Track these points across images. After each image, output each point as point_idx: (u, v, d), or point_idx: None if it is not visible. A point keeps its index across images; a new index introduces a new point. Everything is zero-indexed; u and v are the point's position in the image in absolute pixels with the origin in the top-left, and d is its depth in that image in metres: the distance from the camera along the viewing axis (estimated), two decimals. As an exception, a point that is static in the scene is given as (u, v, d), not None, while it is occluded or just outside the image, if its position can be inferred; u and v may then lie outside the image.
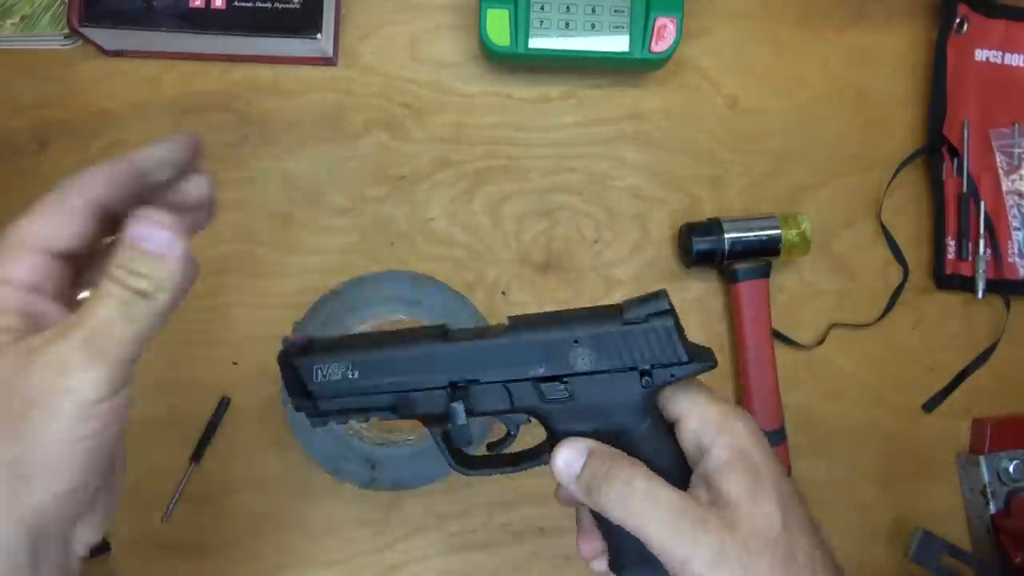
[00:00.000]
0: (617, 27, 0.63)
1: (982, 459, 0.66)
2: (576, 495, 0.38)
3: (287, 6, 0.61)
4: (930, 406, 0.69)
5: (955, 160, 0.69)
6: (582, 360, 0.37)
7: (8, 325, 0.31)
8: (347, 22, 0.67)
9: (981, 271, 0.68)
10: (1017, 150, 0.70)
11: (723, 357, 0.67)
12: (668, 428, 0.39)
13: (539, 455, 0.40)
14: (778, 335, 0.66)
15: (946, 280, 0.68)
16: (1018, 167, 0.70)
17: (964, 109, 0.69)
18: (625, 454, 0.37)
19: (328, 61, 0.66)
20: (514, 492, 0.64)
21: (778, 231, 0.64)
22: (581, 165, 0.68)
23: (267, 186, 0.66)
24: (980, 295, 0.68)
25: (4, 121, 0.65)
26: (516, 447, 0.42)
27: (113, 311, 0.31)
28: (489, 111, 0.67)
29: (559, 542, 0.64)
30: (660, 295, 0.37)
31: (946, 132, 0.68)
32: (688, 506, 0.35)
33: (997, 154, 0.70)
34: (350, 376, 0.39)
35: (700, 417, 0.38)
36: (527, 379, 0.38)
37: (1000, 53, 0.71)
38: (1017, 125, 0.70)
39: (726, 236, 0.63)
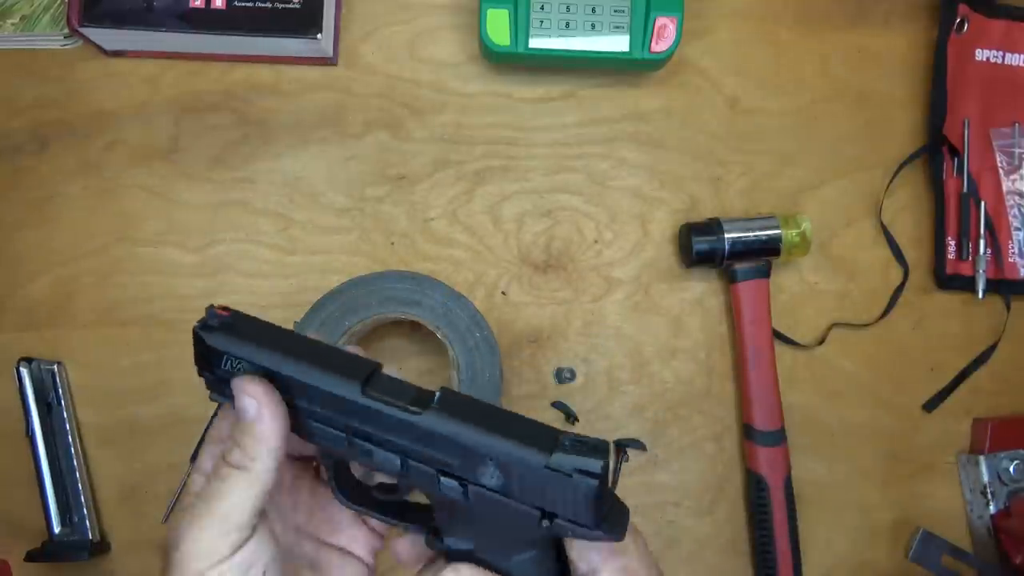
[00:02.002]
0: (617, 27, 0.62)
1: (982, 459, 0.66)
2: None
3: (287, 6, 0.61)
4: (930, 406, 0.68)
5: (955, 160, 0.69)
6: (490, 477, 0.34)
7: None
8: (347, 22, 0.67)
9: (981, 271, 0.68)
10: (1017, 150, 0.70)
11: (723, 357, 0.67)
12: (554, 557, 0.36)
13: (419, 519, 0.38)
14: (778, 335, 0.66)
15: (946, 280, 0.68)
16: (1018, 167, 0.70)
17: (964, 109, 0.69)
18: None
19: (328, 61, 0.66)
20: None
21: (778, 231, 0.64)
22: (581, 165, 0.67)
23: (267, 186, 0.66)
24: (980, 295, 0.68)
25: (4, 121, 0.65)
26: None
27: (215, 488, 0.34)
28: (489, 111, 0.67)
29: (559, 542, 0.64)
30: (600, 450, 0.33)
31: (946, 132, 0.68)
32: None
33: (997, 154, 0.70)
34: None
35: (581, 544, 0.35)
36: (430, 466, 0.35)
37: (1000, 53, 0.71)
38: (1017, 125, 0.70)
39: (726, 236, 0.63)
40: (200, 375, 0.38)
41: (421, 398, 0.35)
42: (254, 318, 0.38)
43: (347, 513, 0.41)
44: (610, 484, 0.34)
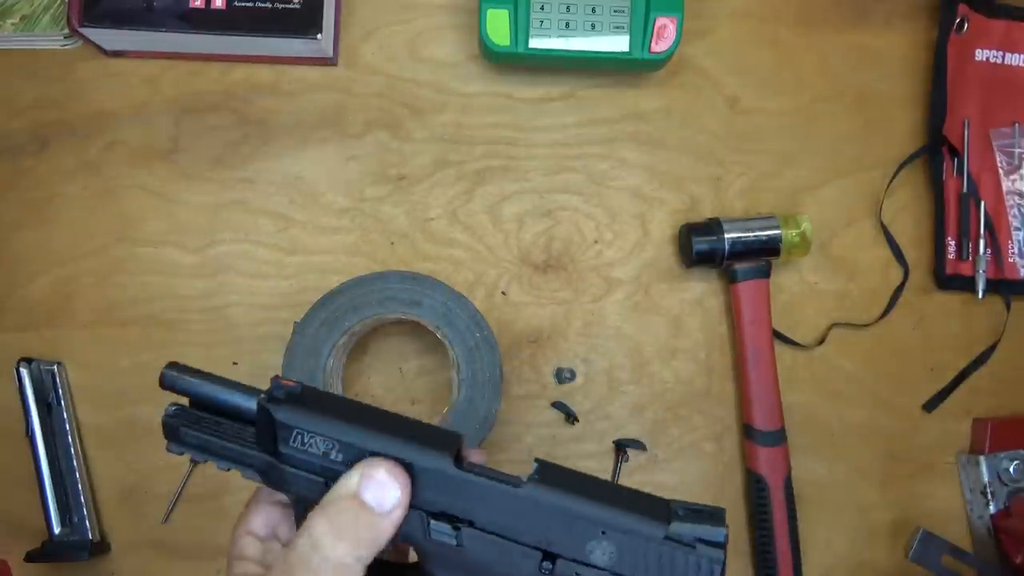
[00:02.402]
0: (617, 27, 0.62)
1: (982, 459, 0.66)
2: None
3: (287, 6, 0.61)
4: (930, 406, 0.68)
5: (955, 160, 0.69)
6: (600, 553, 0.31)
7: (246, 572, 0.35)
8: (347, 22, 0.67)
9: (981, 271, 0.68)
10: (1017, 150, 0.70)
11: (723, 357, 0.67)
12: None
13: None
14: (778, 335, 0.66)
15: (946, 280, 0.68)
16: (1018, 167, 0.70)
17: (964, 109, 0.69)
18: None
19: (328, 61, 0.66)
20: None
21: (778, 231, 0.64)
22: (581, 165, 0.68)
23: (267, 186, 0.66)
24: (980, 295, 0.68)
25: (4, 121, 0.65)
26: None
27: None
28: (489, 111, 0.67)
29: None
30: (719, 517, 0.30)
31: (946, 132, 0.68)
32: None
33: (997, 154, 0.70)
34: (332, 456, 0.33)
35: None
36: (531, 546, 0.31)
37: (1000, 53, 0.71)
38: (1017, 125, 0.70)
39: (726, 236, 0.63)
40: (245, 466, 0.35)
41: (513, 476, 0.32)
42: (322, 392, 0.35)
43: None
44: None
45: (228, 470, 0.35)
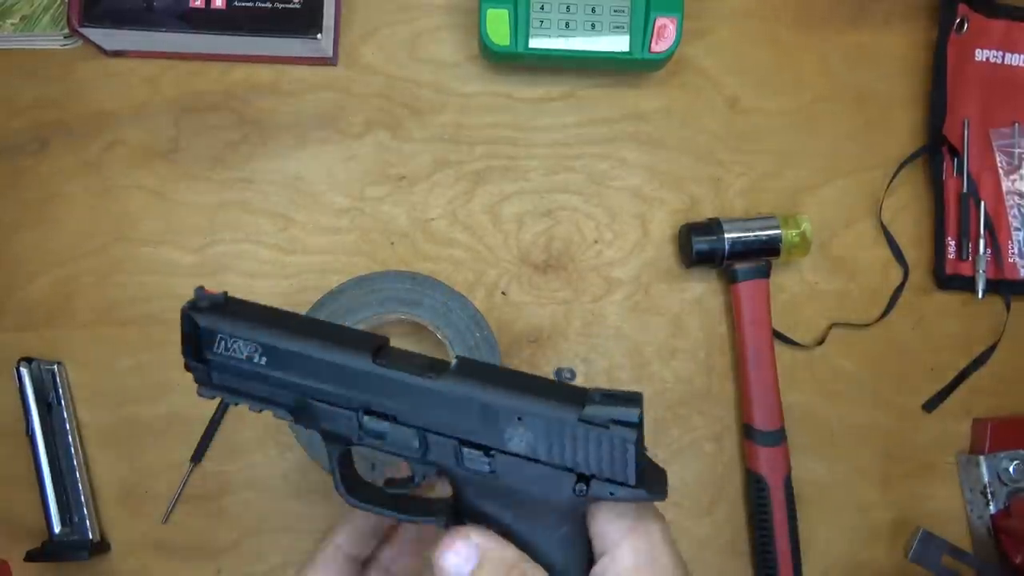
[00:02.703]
0: (617, 27, 0.62)
1: (982, 459, 0.66)
2: None
3: (287, 6, 0.61)
4: (930, 406, 0.69)
5: (955, 160, 0.69)
6: (518, 440, 0.31)
7: None
8: (347, 22, 0.67)
9: (981, 271, 0.68)
10: (1017, 150, 0.70)
11: (723, 357, 0.67)
12: (585, 537, 0.34)
13: (432, 512, 0.35)
14: (778, 335, 0.66)
15: (946, 280, 0.68)
16: (1018, 167, 0.70)
17: (964, 109, 0.69)
18: (524, 559, 0.33)
19: (328, 61, 0.66)
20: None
21: (778, 231, 0.64)
22: (581, 165, 0.68)
23: (267, 186, 0.66)
24: (980, 295, 0.68)
25: (4, 121, 0.65)
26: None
27: None
28: (489, 111, 0.67)
29: (559, 542, 0.64)
30: (635, 400, 0.31)
31: (946, 132, 0.68)
32: None
33: (997, 154, 0.70)
34: (256, 360, 0.34)
35: (610, 510, 0.33)
36: (449, 436, 0.32)
37: (1000, 53, 0.71)
38: (1017, 125, 0.70)
39: (726, 236, 0.63)
40: (188, 368, 0.36)
41: (436, 365, 0.33)
42: (248, 300, 0.36)
43: None
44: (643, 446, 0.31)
45: (260, 411, 0.36)
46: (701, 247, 0.64)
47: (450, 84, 0.67)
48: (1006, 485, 0.66)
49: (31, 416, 0.61)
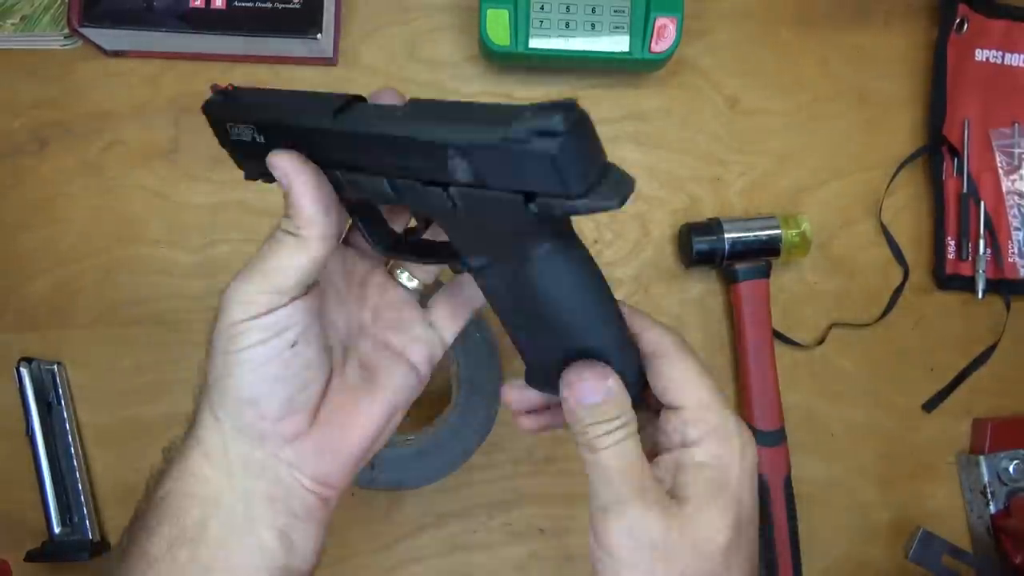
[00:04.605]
0: (617, 27, 0.62)
1: (982, 459, 0.66)
2: (565, 417, 0.35)
3: (287, 6, 0.61)
4: (930, 406, 0.69)
5: (955, 160, 0.69)
6: (461, 171, 0.29)
7: None
8: (347, 22, 0.67)
9: (981, 271, 0.68)
10: (1017, 150, 0.70)
11: (723, 357, 0.67)
12: (576, 245, 0.35)
13: (443, 253, 0.38)
14: (778, 335, 0.66)
15: (946, 280, 0.68)
16: (1018, 167, 0.70)
17: (964, 109, 0.69)
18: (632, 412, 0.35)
19: (328, 61, 0.66)
20: (514, 492, 0.64)
21: (778, 231, 0.64)
22: (581, 165, 0.67)
23: (267, 186, 0.65)
24: (980, 295, 0.68)
25: (4, 121, 0.65)
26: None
27: (265, 248, 0.36)
28: (489, 111, 0.67)
29: (559, 542, 0.64)
30: (563, 107, 0.27)
31: (946, 132, 0.68)
32: (650, 481, 0.34)
33: (997, 154, 0.70)
34: (257, 139, 0.37)
35: (696, 413, 0.35)
36: (409, 178, 0.32)
37: (1000, 53, 0.71)
38: (1017, 125, 0.70)
39: (726, 236, 0.63)
40: (232, 158, 0.40)
41: (396, 110, 0.33)
42: (251, 88, 0.39)
43: (413, 316, 0.42)
44: (599, 150, 0.29)
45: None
46: (701, 247, 0.64)
47: (450, 84, 0.67)
48: (1006, 485, 0.66)
49: (31, 416, 0.61)
